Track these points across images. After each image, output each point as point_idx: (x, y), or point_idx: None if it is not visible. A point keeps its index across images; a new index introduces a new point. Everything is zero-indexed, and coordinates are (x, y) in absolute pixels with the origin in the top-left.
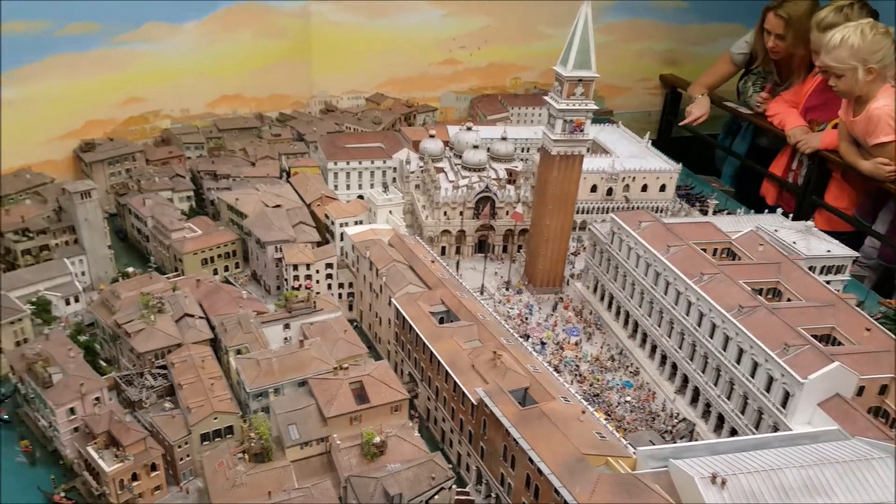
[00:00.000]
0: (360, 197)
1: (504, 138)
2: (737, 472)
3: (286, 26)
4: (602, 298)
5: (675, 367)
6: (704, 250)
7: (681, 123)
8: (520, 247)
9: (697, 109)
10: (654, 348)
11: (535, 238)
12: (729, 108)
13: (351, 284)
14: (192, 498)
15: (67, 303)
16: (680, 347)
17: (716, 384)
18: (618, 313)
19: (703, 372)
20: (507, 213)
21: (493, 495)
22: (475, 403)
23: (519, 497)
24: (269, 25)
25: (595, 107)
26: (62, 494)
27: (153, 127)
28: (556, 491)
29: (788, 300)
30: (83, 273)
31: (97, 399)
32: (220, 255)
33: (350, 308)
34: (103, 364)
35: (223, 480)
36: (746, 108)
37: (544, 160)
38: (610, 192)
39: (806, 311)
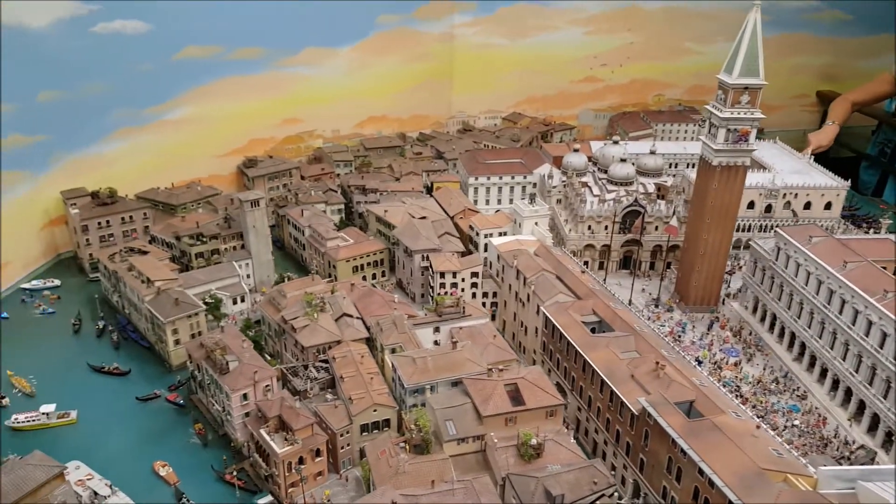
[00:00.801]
0: (497, 211)
1: (653, 152)
2: None
3: (432, 49)
4: (763, 319)
5: (849, 391)
6: (885, 268)
7: (802, 152)
8: (668, 264)
9: (819, 139)
10: (824, 371)
11: (690, 253)
12: None
13: (495, 294)
14: (351, 486)
15: (235, 302)
16: (857, 371)
17: None
18: (781, 334)
19: (885, 398)
20: (656, 228)
21: None
22: (636, 414)
23: None
24: (416, 48)
25: (762, 116)
26: (233, 474)
27: (307, 146)
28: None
29: None
30: (248, 276)
31: (267, 387)
32: (369, 263)
33: (493, 318)
34: (268, 358)
35: (386, 468)
36: None
37: (703, 171)
38: (769, 208)
39: None
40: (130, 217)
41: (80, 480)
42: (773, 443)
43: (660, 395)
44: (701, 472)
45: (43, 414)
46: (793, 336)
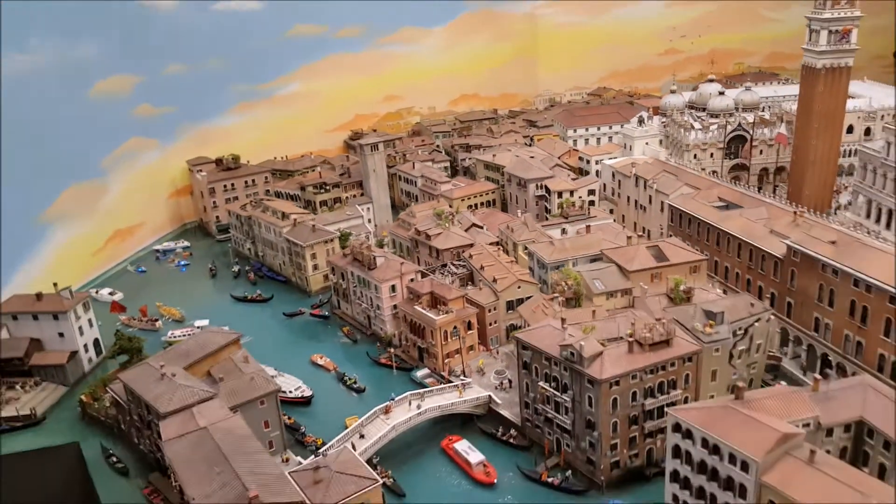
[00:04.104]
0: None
1: (748, 88)
2: None
3: (515, 29)
4: (878, 219)
5: None
6: None
7: None
8: (775, 187)
9: None
10: None
11: (800, 162)
12: None
13: (611, 212)
14: (501, 359)
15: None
16: None
17: None
18: None
19: None
20: (761, 151)
21: (805, 347)
22: (780, 260)
23: (840, 333)
24: (500, 29)
25: (860, 14)
26: (389, 356)
27: (406, 122)
28: (893, 298)
29: None
30: (369, 221)
31: (412, 280)
32: (481, 203)
33: None
34: None
35: (542, 317)
36: None
37: (807, 78)
38: (868, 132)
39: None
40: (253, 181)
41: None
42: None
43: (804, 235)
44: (856, 282)
45: (198, 327)
46: None
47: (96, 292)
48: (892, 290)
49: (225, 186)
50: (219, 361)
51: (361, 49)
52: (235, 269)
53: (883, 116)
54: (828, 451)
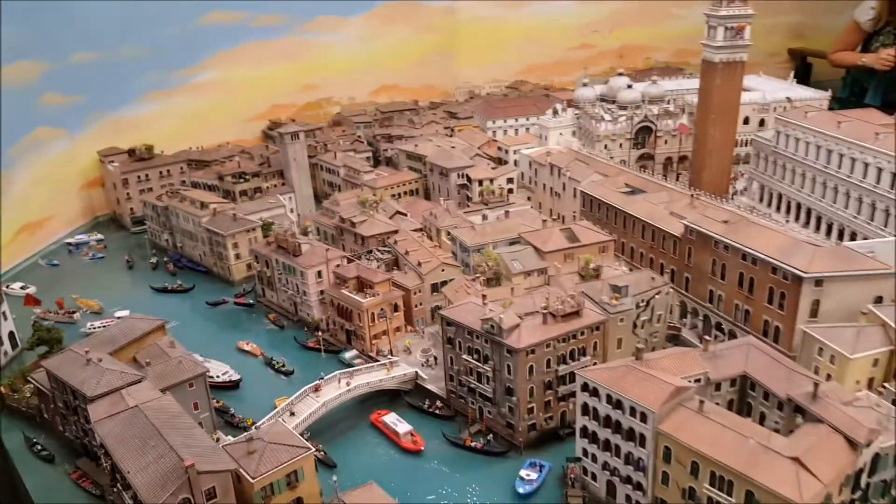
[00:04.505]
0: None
1: (654, 81)
2: None
3: (435, 22)
4: (770, 203)
5: (854, 236)
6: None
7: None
8: (678, 175)
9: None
10: (829, 228)
11: (701, 150)
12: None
13: (529, 199)
14: (427, 338)
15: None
16: (858, 213)
17: None
18: (788, 209)
19: (885, 226)
20: (666, 141)
21: (701, 318)
22: (678, 239)
23: (731, 303)
24: (420, 21)
25: (752, 12)
26: (316, 339)
27: (325, 112)
28: (775, 269)
29: None
30: (292, 210)
31: (338, 266)
32: (405, 192)
33: None
34: None
35: (465, 295)
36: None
37: (706, 72)
38: (762, 123)
39: None
40: (168, 171)
41: None
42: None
43: (699, 215)
44: (744, 256)
45: (118, 318)
46: (798, 207)
47: (7, 287)
48: (774, 262)
49: (139, 177)
50: (144, 347)
51: (279, 37)
52: (153, 260)
53: (775, 108)
54: (717, 404)
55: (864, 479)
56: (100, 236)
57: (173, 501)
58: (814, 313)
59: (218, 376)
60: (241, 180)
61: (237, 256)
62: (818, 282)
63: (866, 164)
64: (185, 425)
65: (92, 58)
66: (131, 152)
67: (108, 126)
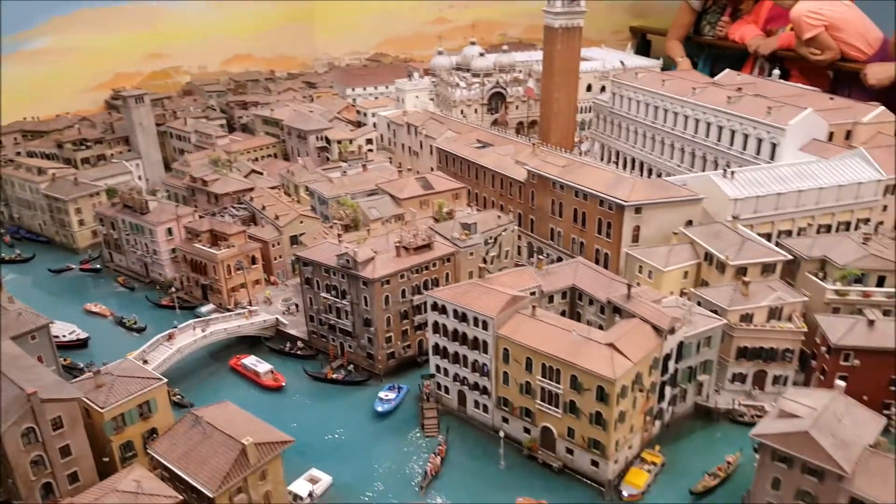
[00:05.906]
0: None
1: (505, 51)
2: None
3: None
4: (608, 160)
5: None
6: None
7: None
8: (529, 139)
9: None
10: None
11: (547, 114)
12: (703, 41)
13: (390, 160)
14: (288, 289)
15: None
16: (682, 162)
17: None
18: (625, 165)
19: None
20: (517, 107)
21: (546, 256)
22: (522, 184)
23: (568, 238)
24: None
25: None
26: (170, 297)
27: (174, 82)
28: (602, 202)
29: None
30: (139, 177)
31: (190, 222)
32: (262, 157)
33: None
34: None
35: (321, 240)
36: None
37: (549, 37)
38: (603, 89)
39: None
40: (0, 142)
41: None
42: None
43: (540, 161)
44: (577, 193)
45: None
46: (633, 161)
47: None
48: (600, 195)
49: None
50: None
51: (120, 2)
52: None
53: (614, 75)
54: None
55: (671, 365)
56: None
57: (17, 430)
58: (635, 238)
59: (64, 336)
60: (83, 147)
61: (81, 223)
62: (637, 209)
63: (686, 117)
64: (27, 364)
65: None
66: None
67: None
